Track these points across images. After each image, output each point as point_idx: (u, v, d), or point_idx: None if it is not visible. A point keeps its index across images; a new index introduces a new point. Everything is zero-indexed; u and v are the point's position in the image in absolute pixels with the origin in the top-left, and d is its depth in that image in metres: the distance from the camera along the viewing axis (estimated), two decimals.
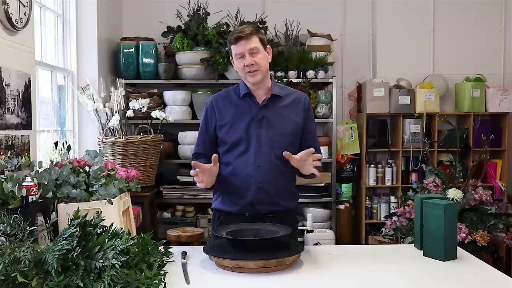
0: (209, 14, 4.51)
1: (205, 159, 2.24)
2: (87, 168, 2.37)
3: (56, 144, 3.02)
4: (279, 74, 4.46)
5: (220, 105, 2.26)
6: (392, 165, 4.75)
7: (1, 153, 2.39)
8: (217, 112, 2.25)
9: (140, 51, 4.45)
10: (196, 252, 1.99)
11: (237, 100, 2.25)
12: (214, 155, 2.10)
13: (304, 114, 2.26)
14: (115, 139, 3.71)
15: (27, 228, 1.68)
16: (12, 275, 1.44)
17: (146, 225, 3.78)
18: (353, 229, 4.73)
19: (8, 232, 1.64)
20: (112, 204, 2.14)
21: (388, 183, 4.74)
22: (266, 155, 2.18)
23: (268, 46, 2.23)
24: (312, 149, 2.06)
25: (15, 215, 1.70)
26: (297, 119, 2.24)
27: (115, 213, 2.15)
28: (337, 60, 4.83)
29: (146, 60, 4.45)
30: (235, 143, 2.20)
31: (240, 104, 2.24)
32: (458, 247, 1.97)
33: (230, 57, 2.27)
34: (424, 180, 3.46)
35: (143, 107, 3.88)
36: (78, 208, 1.67)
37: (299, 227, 2.96)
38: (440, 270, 1.81)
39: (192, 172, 2.07)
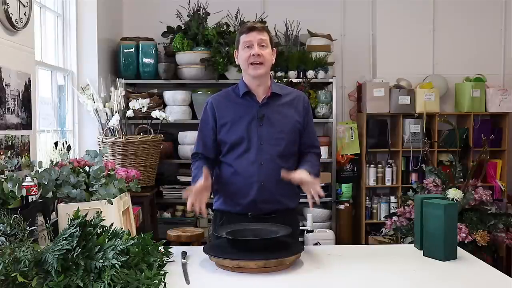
0: (209, 14, 4.51)
1: (204, 161, 2.24)
2: (87, 168, 2.37)
3: (56, 144, 3.03)
4: (279, 74, 4.46)
5: (220, 105, 2.26)
6: (392, 165, 4.75)
7: (1, 153, 2.39)
8: (217, 112, 2.24)
9: (140, 51, 4.44)
10: (196, 252, 1.98)
11: (236, 99, 2.25)
12: (205, 172, 2.05)
13: (304, 113, 2.27)
14: (115, 139, 3.71)
15: (27, 228, 1.68)
16: (12, 275, 1.44)
17: (146, 225, 3.78)
18: (353, 229, 4.73)
19: (8, 232, 1.64)
20: (112, 204, 2.14)
21: (388, 183, 4.74)
22: (268, 153, 2.18)
23: (274, 48, 2.25)
24: (319, 191, 2.01)
25: (15, 215, 1.70)
26: (297, 117, 2.24)
27: (115, 213, 2.16)
28: (337, 60, 4.83)
29: (146, 60, 4.45)
30: (236, 143, 2.20)
31: (240, 103, 2.24)
32: (458, 247, 1.97)
33: (234, 51, 2.27)
34: (424, 180, 3.45)
35: (143, 107, 3.88)
36: (78, 208, 1.67)
37: (299, 227, 2.96)
38: (440, 270, 1.81)
39: (188, 206, 2.03)
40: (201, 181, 2.04)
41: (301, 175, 2.08)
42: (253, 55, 2.14)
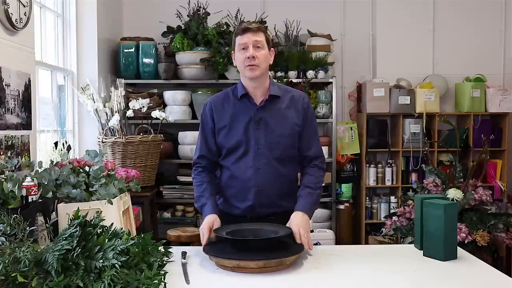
0: (209, 14, 4.51)
1: (207, 173, 2.25)
2: (87, 168, 2.37)
3: (56, 144, 3.03)
4: (279, 74, 4.46)
5: (218, 107, 2.23)
6: (392, 165, 4.75)
7: (1, 153, 2.39)
8: (215, 115, 2.22)
9: (140, 51, 4.45)
10: (196, 252, 1.98)
11: (234, 102, 2.22)
12: (217, 220, 2.07)
13: (303, 114, 2.22)
14: (115, 139, 3.71)
15: (27, 228, 1.68)
16: (12, 275, 1.44)
17: (146, 225, 3.78)
18: (353, 229, 4.73)
19: (8, 232, 1.64)
20: (112, 204, 2.14)
21: (388, 183, 4.74)
22: (265, 157, 2.16)
23: (272, 48, 2.21)
24: (306, 246, 1.98)
25: (15, 215, 1.70)
26: (295, 120, 2.21)
27: (115, 213, 2.16)
28: (337, 60, 4.83)
29: (146, 60, 4.45)
30: (234, 147, 2.18)
31: (238, 105, 2.21)
32: (458, 247, 1.97)
33: (232, 52, 2.25)
34: (424, 180, 3.45)
35: (143, 107, 3.88)
36: (78, 208, 1.67)
37: None
38: (440, 270, 1.81)
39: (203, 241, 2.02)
40: (213, 221, 2.06)
41: (291, 226, 2.04)
42: (248, 57, 2.11)
